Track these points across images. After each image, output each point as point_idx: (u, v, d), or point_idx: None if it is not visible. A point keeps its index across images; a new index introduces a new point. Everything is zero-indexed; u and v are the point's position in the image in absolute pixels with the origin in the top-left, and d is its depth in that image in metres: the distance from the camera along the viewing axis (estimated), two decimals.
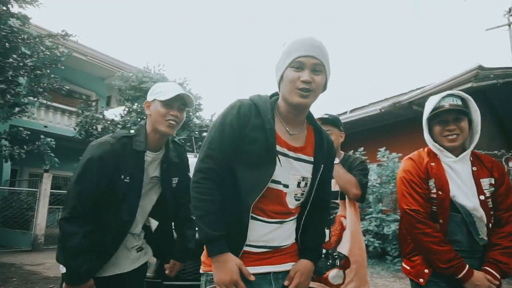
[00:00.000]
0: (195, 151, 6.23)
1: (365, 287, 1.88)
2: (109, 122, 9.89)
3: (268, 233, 1.19)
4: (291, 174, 1.22)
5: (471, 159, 1.58)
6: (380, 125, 8.82)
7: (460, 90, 7.27)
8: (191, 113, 9.88)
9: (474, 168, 1.54)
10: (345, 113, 10.11)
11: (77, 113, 11.21)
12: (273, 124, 1.18)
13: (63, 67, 7.29)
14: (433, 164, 1.56)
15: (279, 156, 1.19)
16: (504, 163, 6.67)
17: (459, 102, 1.53)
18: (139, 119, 9.30)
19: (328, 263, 1.84)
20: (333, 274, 1.83)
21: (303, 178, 1.25)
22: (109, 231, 1.51)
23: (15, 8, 6.69)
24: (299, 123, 1.28)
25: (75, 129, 9.55)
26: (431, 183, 1.54)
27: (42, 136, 6.84)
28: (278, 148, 1.19)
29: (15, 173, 10.34)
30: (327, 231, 1.85)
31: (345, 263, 1.86)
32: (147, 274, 2.51)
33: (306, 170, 1.25)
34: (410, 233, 1.55)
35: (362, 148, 7.17)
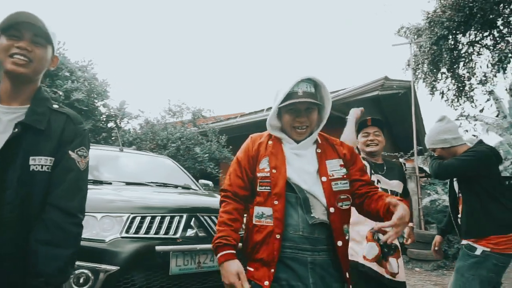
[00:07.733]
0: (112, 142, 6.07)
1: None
2: None
3: None
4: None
5: (319, 141, 1.53)
6: None
7: (368, 96, 9.82)
8: (96, 101, 7.79)
9: (319, 150, 1.49)
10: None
11: None
12: None
13: None
14: (270, 142, 1.49)
15: None
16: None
17: (312, 90, 1.45)
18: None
19: (385, 250, 2.11)
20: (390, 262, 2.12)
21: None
22: None
23: None
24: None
25: None
26: (265, 161, 1.44)
27: None
28: None
29: None
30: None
31: (397, 253, 2.16)
32: None
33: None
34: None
35: None
